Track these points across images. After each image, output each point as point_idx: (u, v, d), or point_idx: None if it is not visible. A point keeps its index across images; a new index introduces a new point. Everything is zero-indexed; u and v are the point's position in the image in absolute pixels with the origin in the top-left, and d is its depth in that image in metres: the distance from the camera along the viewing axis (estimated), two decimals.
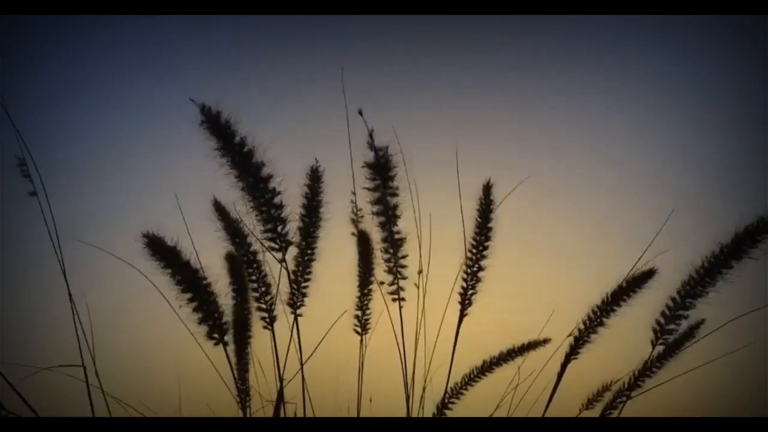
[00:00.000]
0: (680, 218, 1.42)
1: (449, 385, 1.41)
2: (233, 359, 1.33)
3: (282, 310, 1.36)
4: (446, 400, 1.41)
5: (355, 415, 1.38)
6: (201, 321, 1.28)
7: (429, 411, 1.41)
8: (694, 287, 1.28)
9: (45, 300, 1.49)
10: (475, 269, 1.39)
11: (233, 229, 1.36)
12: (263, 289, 1.35)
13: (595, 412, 1.40)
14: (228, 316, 1.31)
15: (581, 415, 1.42)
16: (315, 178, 1.32)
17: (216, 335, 1.29)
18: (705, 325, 1.33)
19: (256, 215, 1.27)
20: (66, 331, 1.33)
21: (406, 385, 1.38)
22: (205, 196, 1.38)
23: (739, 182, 2.00)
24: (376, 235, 1.36)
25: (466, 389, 1.44)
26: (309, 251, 1.34)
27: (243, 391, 1.35)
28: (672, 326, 1.31)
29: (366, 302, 1.41)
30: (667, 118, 2.13)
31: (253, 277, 1.36)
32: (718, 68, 2.11)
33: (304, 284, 1.35)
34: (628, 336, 1.39)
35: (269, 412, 1.34)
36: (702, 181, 2.05)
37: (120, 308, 1.55)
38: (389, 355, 1.40)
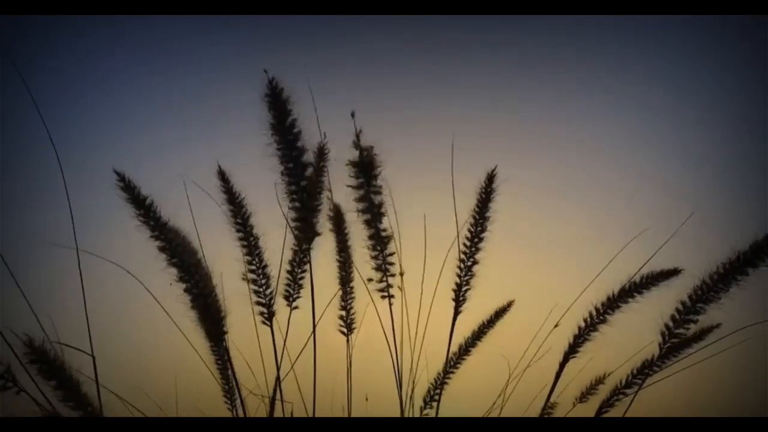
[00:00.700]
0: (679, 218, 1.42)
1: (435, 379, 1.41)
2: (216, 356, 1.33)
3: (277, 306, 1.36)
4: (432, 392, 1.42)
5: (348, 415, 1.38)
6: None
7: (418, 408, 1.42)
8: (707, 292, 1.28)
9: (43, 299, 1.49)
10: (469, 263, 1.39)
11: (240, 211, 1.34)
12: (264, 281, 1.34)
13: (590, 407, 1.40)
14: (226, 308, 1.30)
15: (575, 408, 1.42)
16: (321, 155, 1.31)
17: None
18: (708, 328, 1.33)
19: (290, 203, 1.27)
20: (66, 330, 1.33)
21: (399, 385, 1.39)
22: (206, 194, 1.38)
23: (739, 182, 2.00)
24: (362, 233, 1.35)
25: (448, 378, 1.44)
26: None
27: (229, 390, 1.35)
28: (681, 330, 1.30)
29: (349, 301, 1.41)
30: (667, 118, 2.13)
31: (253, 267, 1.34)
32: (718, 68, 2.11)
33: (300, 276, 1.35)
34: (632, 335, 1.39)
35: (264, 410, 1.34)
36: (702, 181, 2.05)
37: (117, 308, 1.55)
38: (385, 352, 1.40)
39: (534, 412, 1.38)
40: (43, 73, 2.07)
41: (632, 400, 1.35)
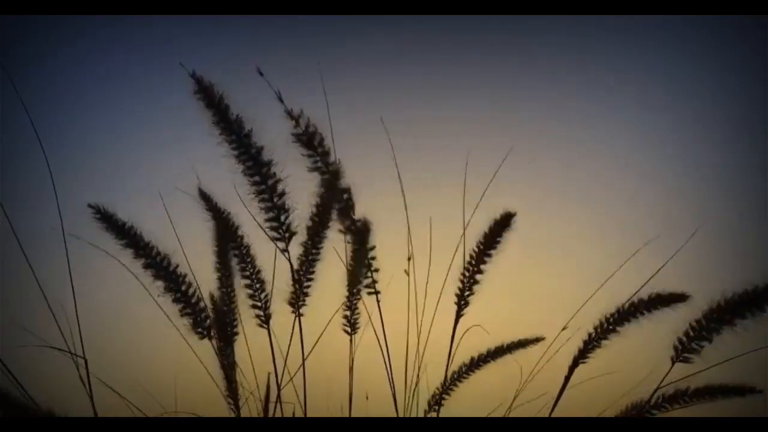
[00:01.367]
0: (680, 219, 1.42)
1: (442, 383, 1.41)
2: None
3: (275, 308, 1.36)
4: (437, 398, 1.41)
5: (348, 415, 1.38)
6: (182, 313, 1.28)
7: (421, 410, 1.41)
8: (721, 316, 1.27)
9: (40, 299, 1.49)
10: (471, 282, 1.39)
11: (223, 221, 1.34)
12: (258, 285, 1.34)
13: (591, 408, 1.40)
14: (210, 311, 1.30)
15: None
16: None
17: (200, 330, 1.29)
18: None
19: (258, 203, 1.25)
20: (66, 327, 1.33)
21: (391, 384, 1.39)
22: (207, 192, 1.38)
23: (740, 182, 2.00)
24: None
25: (455, 386, 1.44)
26: (314, 250, 1.32)
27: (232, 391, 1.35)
28: (694, 346, 1.30)
29: (354, 301, 1.40)
30: (667, 118, 2.13)
31: (247, 272, 1.34)
32: (718, 68, 2.11)
33: (306, 283, 1.34)
34: (639, 341, 1.39)
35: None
36: (702, 182, 2.05)
37: (115, 307, 1.55)
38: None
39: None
40: (43, 73, 2.07)
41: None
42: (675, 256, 1.35)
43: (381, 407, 1.43)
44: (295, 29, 2.07)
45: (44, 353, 1.32)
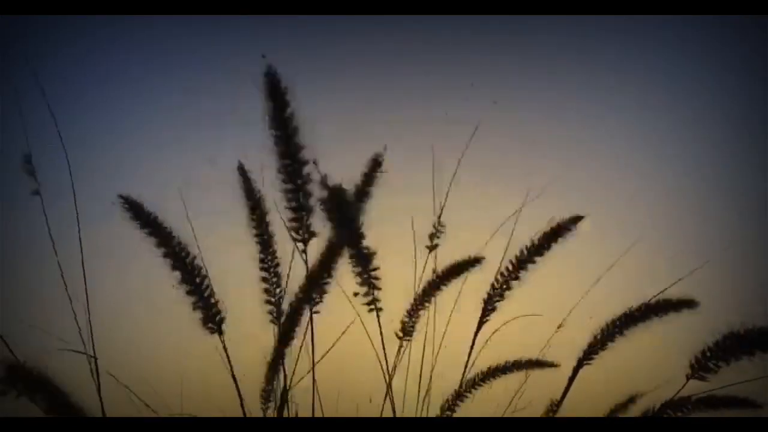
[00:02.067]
0: (679, 219, 1.42)
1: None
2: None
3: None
4: (452, 402, 1.41)
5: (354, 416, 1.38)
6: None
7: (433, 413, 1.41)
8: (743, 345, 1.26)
9: (47, 295, 1.49)
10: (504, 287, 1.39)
11: (255, 203, 1.34)
12: (274, 279, 1.34)
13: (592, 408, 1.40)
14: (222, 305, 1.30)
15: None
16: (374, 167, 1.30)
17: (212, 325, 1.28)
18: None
19: (286, 201, 1.26)
20: (67, 327, 1.33)
21: (388, 384, 1.39)
22: (208, 194, 1.38)
23: (740, 182, 2.00)
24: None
25: (469, 393, 1.44)
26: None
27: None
28: (711, 366, 1.29)
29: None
30: (667, 118, 2.13)
31: (266, 264, 1.34)
32: (718, 68, 2.11)
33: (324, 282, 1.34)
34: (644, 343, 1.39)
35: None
36: (701, 182, 2.05)
37: (123, 305, 1.55)
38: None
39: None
40: (43, 73, 2.07)
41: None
42: (674, 256, 1.35)
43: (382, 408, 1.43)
44: (295, 29, 2.07)
45: (55, 351, 1.33)
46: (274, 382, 1.31)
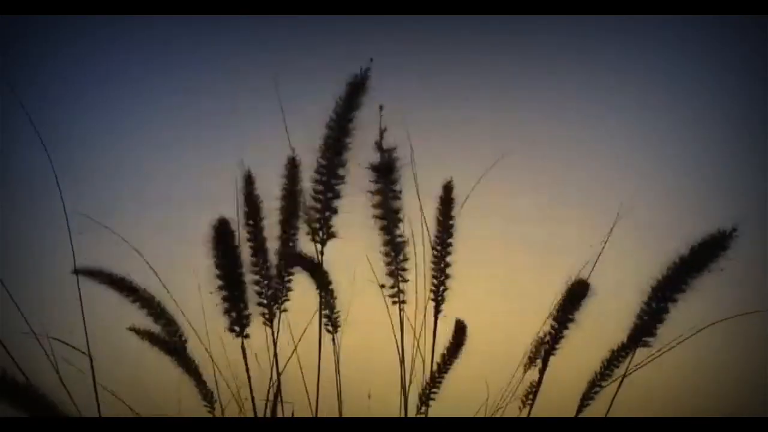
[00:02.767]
0: (680, 219, 1.42)
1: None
2: None
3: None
4: (427, 392, 1.41)
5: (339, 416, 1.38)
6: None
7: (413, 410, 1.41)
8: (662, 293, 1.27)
9: (46, 297, 1.49)
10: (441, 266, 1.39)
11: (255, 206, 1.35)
12: (266, 282, 1.34)
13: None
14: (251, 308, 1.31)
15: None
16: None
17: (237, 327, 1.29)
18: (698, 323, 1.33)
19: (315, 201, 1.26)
20: (68, 327, 1.33)
21: (404, 385, 1.39)
22: (208, 192, 1.38)
23: (739, 182, 2.00)
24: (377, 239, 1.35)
25: (442, 376, 1.43)
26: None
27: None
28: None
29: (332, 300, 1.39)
30: (667, 118, 2.13)
31: (258, 267, 1.34)
32: (718, 68, 2.11)
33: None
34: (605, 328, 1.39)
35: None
36: (702, 182, 2.05)
37: (120, 306, 1.55)
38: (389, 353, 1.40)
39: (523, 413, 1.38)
40: (43, 73, 2.07)
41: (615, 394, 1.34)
42: (674, 256, 1.35)
43: (380, 407, 1.43)
44: (296, 29, 2.07)
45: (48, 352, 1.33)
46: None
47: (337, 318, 1.38)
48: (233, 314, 1.31)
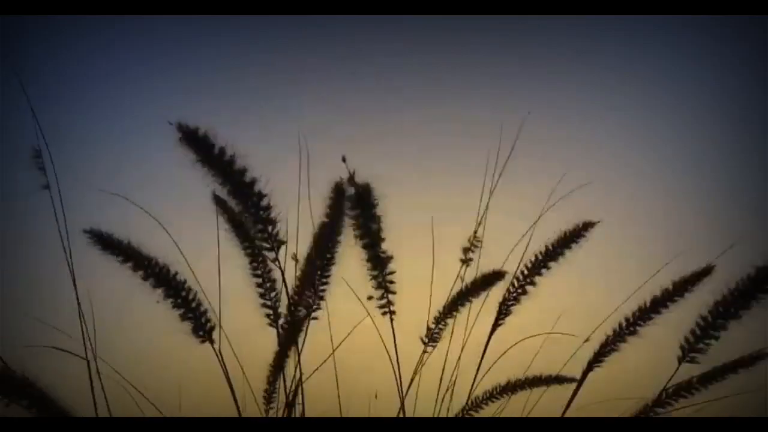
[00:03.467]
0: (680, 219, 1.42)
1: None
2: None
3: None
4: (467, 409, 1.41)
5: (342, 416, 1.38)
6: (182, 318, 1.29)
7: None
8: (726, 309, 1.26)
9: (47, 297, 1.49)
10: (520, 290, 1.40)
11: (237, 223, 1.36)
12: (268, 284, 1.36)
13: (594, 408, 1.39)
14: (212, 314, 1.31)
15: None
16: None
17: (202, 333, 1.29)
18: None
19: (246, 218, 1.29)
20: (68, 327, 1.33)
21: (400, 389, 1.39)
22: (207, 193, 1.38)
23: (739, 182, 2.00)
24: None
25: (482, 407, 1.44)
26: (329, 255, 1.34)
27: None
28: (701, 345, 1.29)
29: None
30: (667, 118, 2.13)
31: (258, 272, 1.36)
32: (718, 68, 2.11)
33: (322, 287, 1.35)
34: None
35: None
36: (701, 182, 2.05)
37: (122, 306, 1.55)
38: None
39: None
40: (44, 73, 2.07)
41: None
42: (673, 257, 1.35)
43: (381, 407, 1.43)
44: (295, 29, 2.07)
45: (51, 353, 1.33)
46: (276, 384, 1.32)
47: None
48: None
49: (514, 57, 2.14)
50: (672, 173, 2.07)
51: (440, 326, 1.41)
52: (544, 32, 2.10)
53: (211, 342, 1.30)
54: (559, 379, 1.43)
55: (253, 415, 1.33)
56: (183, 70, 2.14)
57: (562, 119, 2.13)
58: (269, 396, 1.33)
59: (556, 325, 1.43)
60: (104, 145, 2.08)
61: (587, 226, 1.40)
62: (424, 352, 1.41)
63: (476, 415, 1.43)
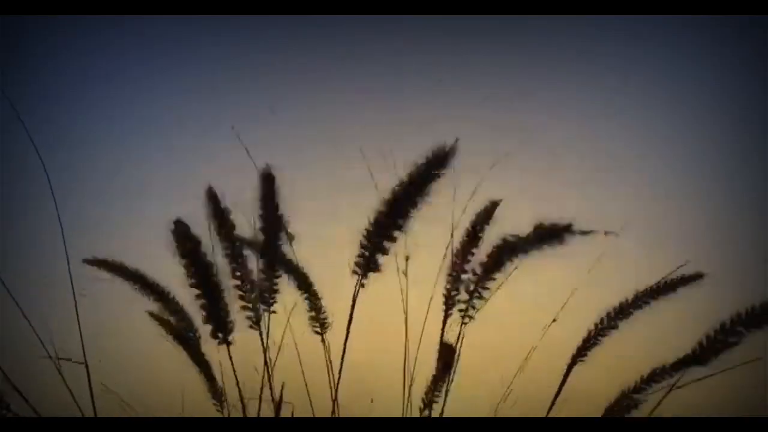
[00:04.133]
0: (680, 219, 1.42)
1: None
2: None
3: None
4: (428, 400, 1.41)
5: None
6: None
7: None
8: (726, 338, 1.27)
9: (46, 299, 1.49)
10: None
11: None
12: (248, 286, 1.36)
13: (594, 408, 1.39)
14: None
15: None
16: None
17: (220, 335, 1.30)
18: None
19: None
20: (68, 329, 1.33)
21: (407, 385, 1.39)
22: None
23: (739, 182, 2.00)
24: None
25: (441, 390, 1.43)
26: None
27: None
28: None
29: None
30: (667, 118, 2.13)
31: (238, 273, 1.36)
32: (718, 68, 2.11)
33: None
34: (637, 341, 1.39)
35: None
36: (702, 182, 2.05)
37: (122, 308, 1.56)
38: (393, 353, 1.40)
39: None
40: (43, 73, 2.07)
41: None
42: (673, 257, 1.35)
43: (380, 408, 1.43)
44: (295, 29, 2.07)
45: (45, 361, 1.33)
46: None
47: (324, 319, 1.40)
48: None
49: (514, 57, 2.14)
50: (672, 173, 2.07)
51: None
52: (544, 32, 2.10)
53: (228, 344, 1.31)
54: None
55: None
56: (183, 70, 2.14)
57: (561, 119, 2.13)
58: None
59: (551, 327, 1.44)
60: (104, 145, 2.08)
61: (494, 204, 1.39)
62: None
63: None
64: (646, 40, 2.10)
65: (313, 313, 1.40)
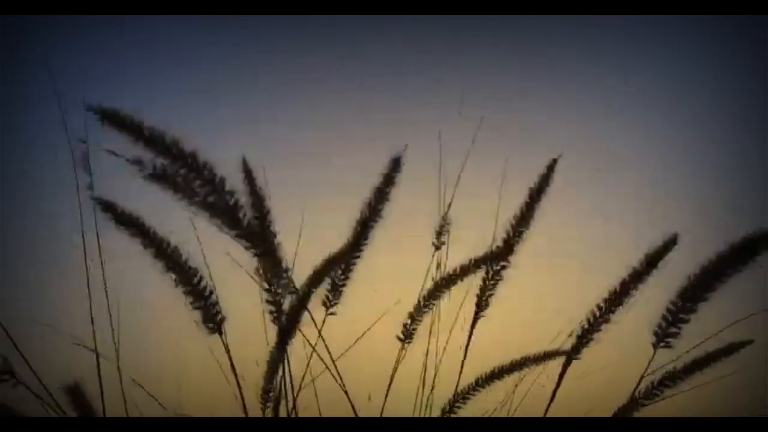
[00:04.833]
0: (680, 219, 1.42)
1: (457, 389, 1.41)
2: None
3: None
4: (453, 404, 1.41)
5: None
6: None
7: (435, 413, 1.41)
8: (694, 291, 1.27)
9: (56, 294, 1.49)
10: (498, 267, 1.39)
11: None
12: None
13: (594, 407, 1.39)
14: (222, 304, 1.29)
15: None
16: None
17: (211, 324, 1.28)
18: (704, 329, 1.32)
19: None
20: (77, 326, 1.33)
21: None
22: None
23: (739, 182, 2.00)
24: None
25: (472, 395, 1.43)
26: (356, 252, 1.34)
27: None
28: (674, 329, 1.30)
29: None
30: (667, 118, 2.13)
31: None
32: (718, 68, 2.11)
33: (341, 283, 1.35)
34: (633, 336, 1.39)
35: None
36: (702, 182, 2.05)
37: (123, 305, 1.56)
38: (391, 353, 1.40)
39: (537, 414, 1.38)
40: (44, 73, 2.07)
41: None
42: (672, 257, 1.35)
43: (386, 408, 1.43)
44: (295, 29, 2.07)
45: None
46: (274, 382, 1.32)
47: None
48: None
49: (514, 57, 2.14)
50: (672, 173, 2.07)
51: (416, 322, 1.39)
52: (545, 32, 2.10)
53: (221, 334, 1.29)
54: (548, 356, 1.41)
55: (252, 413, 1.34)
56: (183, 70, 2.14)
57: (561, 119, 2.13)
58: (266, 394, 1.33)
59: (548, 324, 1.43)
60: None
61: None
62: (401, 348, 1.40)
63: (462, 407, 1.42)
64: (646, 40, 2.11)
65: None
